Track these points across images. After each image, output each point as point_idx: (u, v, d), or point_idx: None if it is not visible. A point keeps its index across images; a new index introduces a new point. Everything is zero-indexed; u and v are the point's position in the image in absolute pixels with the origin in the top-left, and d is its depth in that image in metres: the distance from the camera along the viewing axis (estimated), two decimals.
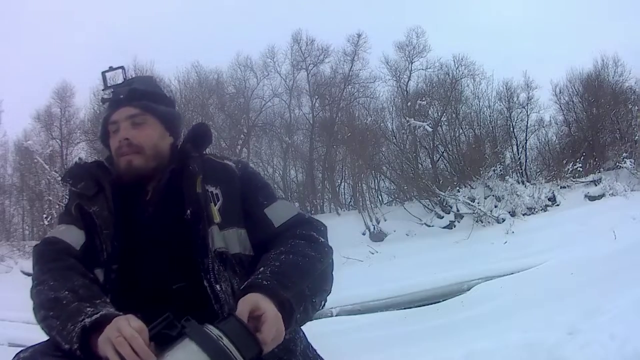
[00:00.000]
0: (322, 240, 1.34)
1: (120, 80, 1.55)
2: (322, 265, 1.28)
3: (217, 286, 1.25)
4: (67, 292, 1.17)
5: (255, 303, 1.06)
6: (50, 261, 1.28)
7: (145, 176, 1.43)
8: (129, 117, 1.42)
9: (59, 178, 16.30)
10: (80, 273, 1.25)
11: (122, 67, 1.54)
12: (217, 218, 1.33)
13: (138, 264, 1.34)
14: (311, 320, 1.25)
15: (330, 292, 1.31)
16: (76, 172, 1.48)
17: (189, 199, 1.35)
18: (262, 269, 1.19)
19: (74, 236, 1.35)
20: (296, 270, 1.20)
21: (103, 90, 1.51)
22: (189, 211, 1.33)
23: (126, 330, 1.00)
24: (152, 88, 1.52)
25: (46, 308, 1.17)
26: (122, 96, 1.45)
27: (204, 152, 1.51)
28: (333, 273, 1.33)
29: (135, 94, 1.45)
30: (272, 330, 1.05)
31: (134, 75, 1.59)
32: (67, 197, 1.51)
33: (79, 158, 1.61)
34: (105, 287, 1.27)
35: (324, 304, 1.28)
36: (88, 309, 1.11)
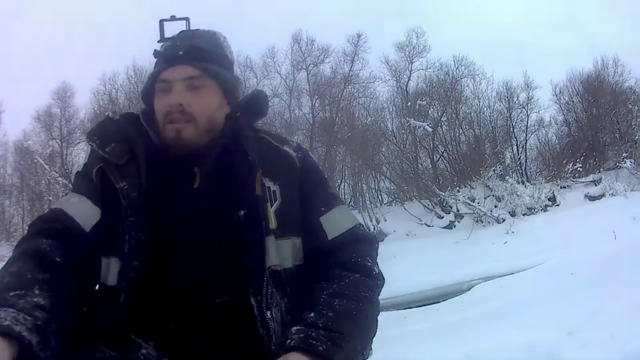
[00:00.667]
0: (376, 271, 1.17)
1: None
2: (376, 307, 1.13)
3: (268, 313, 1.09)
4: None
5: None
6: (23, 241, 1.08)
7: (194, 151, 1.18)
8: (187, 79, 1.18)
9: (59, 178, 16.31)
10: (32, 255, 1.01)
11: (186, 19, 1.29)
12: (272, 223, 1.14)
13: (171, 266, 1.12)
14: None
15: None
16: (106, 129, 1.21)
17: (244, 198, 1.14)
18: (312, 316, 1.04)
19: (85, 213, 1.12)
20: (351, 322, 1.05)
21: (159, 41, 1.26)
22: (242, 212, 1.13)
23: None
24: (215, 47, 1.24)
25: None
26: (181, 52, 1.19)
27: (257, 129, 1.29)
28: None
29: (198, 53, 1.20)
30: None
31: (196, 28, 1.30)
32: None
33: (113, 111, 1.25)
34: (119, 285, 1.09)
35: (371, 352, 1.14)
36: None
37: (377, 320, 1.15)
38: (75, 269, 1.05)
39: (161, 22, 1.27)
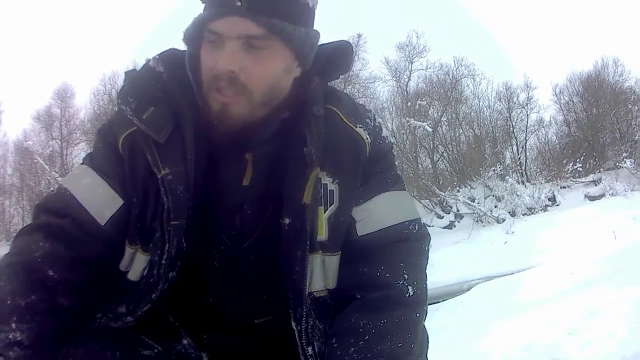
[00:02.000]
0: (411, 293, 0.91)
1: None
2: (415, 355, 0.91)
3: (309, 348, 0.92)
4: None
5: None
6: (23, 235, 0.91)
7: (247, 130, 0.91)
8: (245, 37, 0.86)
9: (59, 178, 16.30)
10: (20, 269, 0.85)
11: None
12: (323, 232, 0.92)
13: (211, 281, 0.96)
14: None
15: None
16: (144, 87, 0.93)
17: (291, 204, 0.90)
18: None
19: (99, 201, 0.90)
20: None
21: None
22: (287, 221, 0.90)
23: None
24: None
25: None
26: (239, 2, 0.85)
27: (330, 96, 1.00)
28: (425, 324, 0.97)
29: (263, 2, 0.86)
30: None
31: None
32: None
33: (155, 58, 0.96)
34: (146, 290, 0.92)
35: None
36: None
37: (424, 353, 0.97)
38: (82, 272, 0.89)
39: None
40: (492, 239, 12.33)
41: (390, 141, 1.04)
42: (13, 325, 0.80)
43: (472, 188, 16.32)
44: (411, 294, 0.91)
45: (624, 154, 17.10)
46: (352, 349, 0.84)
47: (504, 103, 19.33)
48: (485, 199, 15.45)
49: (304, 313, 0.91)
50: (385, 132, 1.02)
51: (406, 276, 0.92)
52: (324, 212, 0.92)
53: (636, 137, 17.84)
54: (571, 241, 8.91)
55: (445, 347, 3.81)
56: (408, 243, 0.97)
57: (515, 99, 19.32)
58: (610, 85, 19.81)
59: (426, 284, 0.97)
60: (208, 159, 0.92)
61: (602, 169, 17.23)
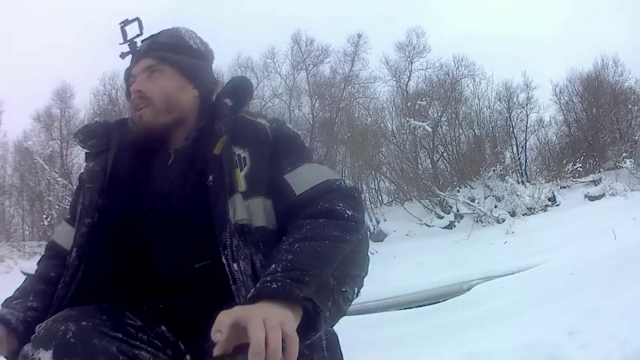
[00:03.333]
0: (349, 213, 1.10)
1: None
2: (349, 245, 1.05)
3: (235, 265, 1.07)
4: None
5: (236, 317, 0.83)
6: (38, 263, 1.35)
7: (161, 134, 1.29)
8: (146, 69, 1.31)
9: (59, 178, 16.31)
10: (36, 274, 1.30)
11: (137, 19, 1.42)
12: (242, 185, 1.15)
13: (147, 238, 1.20)
14: (346, 314, 1.06)
15: (366, 274, 1.12)
16: (91, 129, 1.38)
17: (211, 164, 1.17)
18: (272, 266, 0.97)
19: (66, 238, 1.30)
20: (314, 259, 0.98)
21: (121, 44, 1.40)
22: (211, 177, 1.15)
23: None
24: (174, 39, 1.36)
25: None
26: (138, 49, 1.36)
27: (239, 110, 1.32)
28: (369, 252, 1.14)
29: (155, 46, 1.34)
30: (259, 337, 0.79)
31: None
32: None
33: (99, 118, 1.52)
34: (72, 248, 1.21)
35: (359, 292, 1.10)
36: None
37: (360, 259, 1.10)
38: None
39: (121, 26, 1.41)
40: (492, 239, 12.34)
41: (295, 132, 1.32)
42: (31, 297, 1.21)
43: (472, 188, 16.33)
44: (350, 213, 1.10)
45: (624, 154, 17.11)
46: (297, 236, 1.03)
47: (503, 103, 19.35)
48: (485, 199, 15.46)
49: (227, 235, 1.09)
50: (289, 126, 1.32)
51: (343, 205, 1.11)
52: (241, 172, 1.17)
53: (636, 137, 17.84)
54: (571, 241, 8.91)
55: (445, 346, 3.81)
56: (341, 191, 1.17)
57: (515, 99, 19.35)
58: (610, 85, 19.80)
59: (363, 215, 1.15)
60: (139, 159, 1.26)
61: (602, 169, 17.24)
